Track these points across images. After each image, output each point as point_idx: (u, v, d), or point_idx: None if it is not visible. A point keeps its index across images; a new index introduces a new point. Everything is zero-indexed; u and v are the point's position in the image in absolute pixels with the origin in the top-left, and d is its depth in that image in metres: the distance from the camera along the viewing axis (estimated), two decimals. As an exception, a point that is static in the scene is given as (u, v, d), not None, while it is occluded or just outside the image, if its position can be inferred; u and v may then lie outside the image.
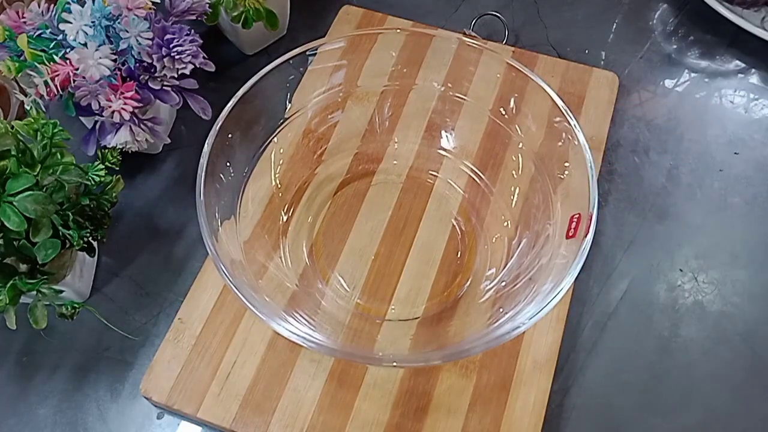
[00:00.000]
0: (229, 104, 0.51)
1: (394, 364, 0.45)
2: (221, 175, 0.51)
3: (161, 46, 0.54)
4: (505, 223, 0.58)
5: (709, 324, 0.58)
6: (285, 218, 0.59)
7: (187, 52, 0.55)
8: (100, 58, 0.52)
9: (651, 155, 0.67)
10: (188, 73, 0.56)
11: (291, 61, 0.54)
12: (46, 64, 0.52)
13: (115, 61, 0.53)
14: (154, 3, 0.54)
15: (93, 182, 0.51)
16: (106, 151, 0.54)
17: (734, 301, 0.59)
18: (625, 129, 0.68)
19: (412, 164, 0.63)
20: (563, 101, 0.52)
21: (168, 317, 0.57)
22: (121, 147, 0.56)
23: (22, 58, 0.53)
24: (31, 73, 0.52)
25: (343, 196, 0.61)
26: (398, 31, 0.61)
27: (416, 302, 0.56)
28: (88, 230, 0.51)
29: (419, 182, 0.62)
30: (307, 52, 0.55)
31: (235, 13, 0.64)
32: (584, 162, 0.48)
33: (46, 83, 0.51)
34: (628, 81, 0.71)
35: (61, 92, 0.52)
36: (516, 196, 0.58)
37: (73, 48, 0.52)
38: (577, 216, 0.48)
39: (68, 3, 0.53)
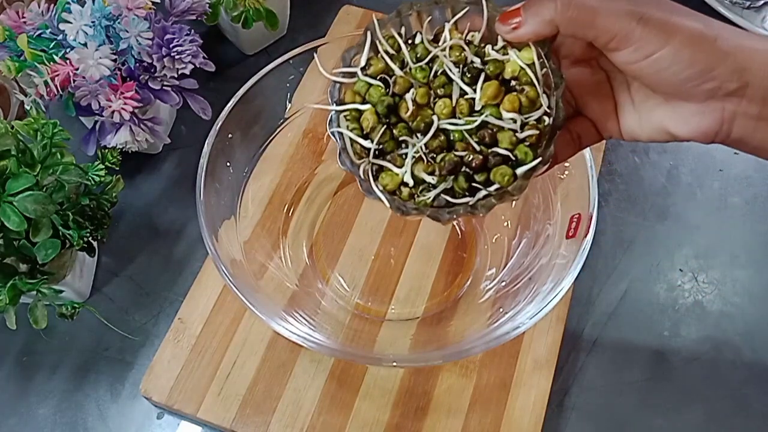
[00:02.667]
0: (229, 104, 0.51)
1: (394, 364, 0.45)
2: (221, 175, 0.51)
3: (161, 46, 0.54)
4: (505, 223, 0.58)
5: (709, 324, 0.58)
6: (285, 218, 0.59)
7: (187, 52, 0.55)
8: (100, 58, 0.52)
9: (651, 155, 0.67)
10: (188, 73, 0.56)
11: (291, 61, 0.54)
12: (46, 64, 0.52)
13: (115, 61, 0.53)
14: (154, 3, 0.54)
15: (93, 182, 0.51)
16: (106, 151, 0.54)
17: (734, 301, 0.59)
18: (625, 129, 0.68)
19: (412, 164, 0.63)
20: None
21: (168, 317, 0.57)
22: (121, 147, 0.56)
23: (22, 58, 0.53)
24: (31, 73, 0.52)
25: (343, 196, 0.61)
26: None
27: (416, 302, 0.56)
28: (88, 230, 0.51)
29: (419, 182, 0.62)
30: (307, 52, 0.55)
31: (235, 13, 0.64)
32: (584, 162, 0.48)
33: (46, 83, 0.51)
34: (628, 81, 0.71)
35: (61, 92, 0.52)
36: (516, 196, 0.58)
37: (73, 48, 0.52)
38: (577, 216, 0.48)
39: (68, 3, 0.53)
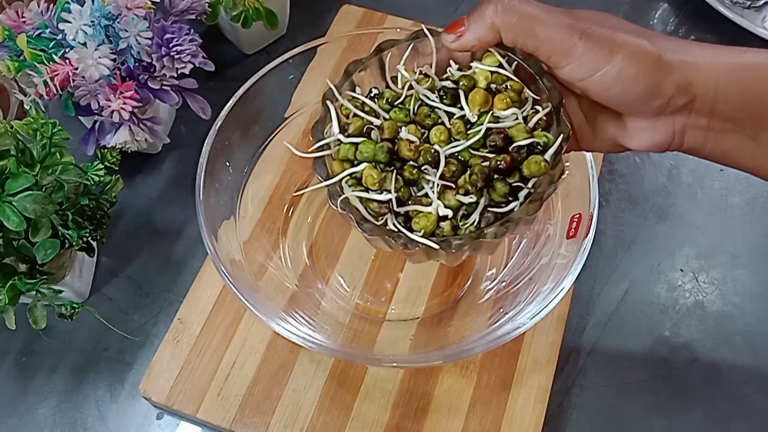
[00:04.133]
0: (228, 104, 0.51)
1: (394, 364, 0.45)
2: (221, 175, 0.51)
3: (161, 46, 0.54)
4: (506, 223, 0.58)
5: (710, 324, 0.58)
6: (284, 218, 0.59)
7: (187, 51, 0.55)
8: (100, 57, 0.52)
9: (651, 155, 0.67)
10: (188, 72, 0.56)
11: (291, 61, 0.54)
12: (45, 64, 0.52)
13: (114, 60, 0.53)
14: (153, 2, 0.54)
15: (92, 182, 0.51)
16: (106, 150, 0.54)
17: (735, 301, 0.59)
18: (626, 129, 0.68)
19: (412, 164, 0.63)
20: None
21: (167, 317, 0.56)
22: (120, 147, 0.56)
23: (21, 57, 0.53)
24: (31, 72, 0.52)
25: (343, 195, 0.61)
26: (398, 30, 0.61)
27: (416, 302, 0.56)
28: (88, 230, 0.51)
29: (419, 182, 0.62)
30: (307, 52, 0.55)
31: (235, 13, 0.64)
32: (585, 162, 0.48)
33: (45, 83, 0.51)
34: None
35: (60, 92, 0.52)
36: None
37: (72, 47, 0.52)
38: (577, 216, 0.48)
39: (68, 2, 0.53)
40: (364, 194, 0.36)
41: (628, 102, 0.34)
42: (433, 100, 0.37)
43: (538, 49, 0.34)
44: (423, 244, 0.35)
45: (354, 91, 0.40)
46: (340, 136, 0.38)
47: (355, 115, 0.38)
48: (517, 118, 0.36)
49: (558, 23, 0.33)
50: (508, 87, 0.37)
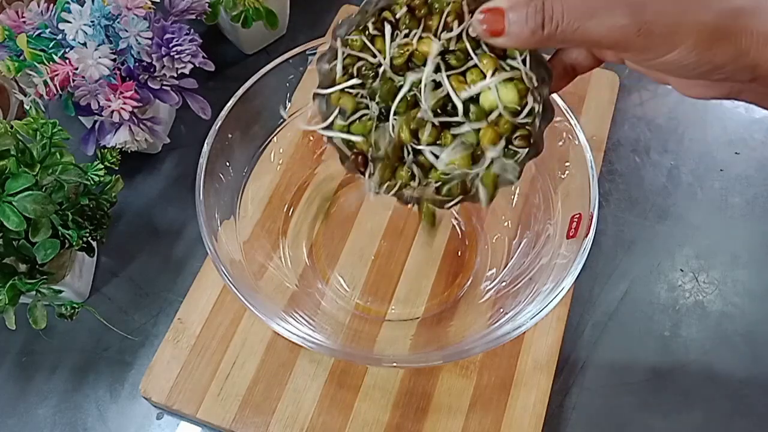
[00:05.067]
0: (228, 104, 0.51)
1: (394, 364, 0.45)
2: (221, 175, 0.51)
3: (161, 46, 0.54)
4: (506, 223, 0.58)
5: (710, 324, 0.58)
6: (285, 218, 0.59)
7: (187, 51, 0.55)
8: (100, 57, 0.52)
9: (652, 155, 0.67)
10: (187, 72, 0.56)
11: (291, 61, 0.54)
12: (45, 64, 0.52)
13: (114, 60, 0.53)
14: (153, 2, 0.54)
15: (92, 182, 0.51)
16: (106, 150, 0.54)
17: (735, 301, 0.59)
18: (626, 129, 0.68)
19: (412, 164, 0.63)
20: (564, 101, 0.52)
21: (167, 317, 0.56)
22: (120, 147, 0.56)
23: (21, 57, 0.53)
24: (31, 72, 0.52)
25: (343, 195, 0.61)
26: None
27: (416, 302, 0.56)
28: (88, 230, 0.51)
29: (419, 182, 0.62)
30: (307, 52, 0.55)
31: (235, 13, 0.64)
32: (585, 162, 0.48)
33: (45, 83, 0.51)
34: (628, 80, 0.71)
35: (60, 92, 0.52)
36: (516, 195, 0.58)
37: (72, 47, 0.52)
38: (577, 216, 0.48)
39: (68, 2, 0.53)
40: (345, 142, 0.39)
41: (686, 76, 0.32)
42: (428, 114, 0.36)
43: (592, 47, 0.32)
44: (375, 191, 0.39)
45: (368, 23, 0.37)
46: (339, 120, 0.38)
47: (353, 79, 0.37)
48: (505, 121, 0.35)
49: (612, 19, 0.30)
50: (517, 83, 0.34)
